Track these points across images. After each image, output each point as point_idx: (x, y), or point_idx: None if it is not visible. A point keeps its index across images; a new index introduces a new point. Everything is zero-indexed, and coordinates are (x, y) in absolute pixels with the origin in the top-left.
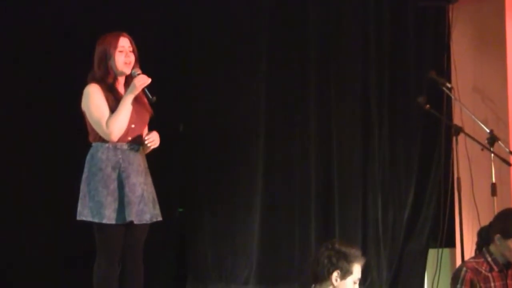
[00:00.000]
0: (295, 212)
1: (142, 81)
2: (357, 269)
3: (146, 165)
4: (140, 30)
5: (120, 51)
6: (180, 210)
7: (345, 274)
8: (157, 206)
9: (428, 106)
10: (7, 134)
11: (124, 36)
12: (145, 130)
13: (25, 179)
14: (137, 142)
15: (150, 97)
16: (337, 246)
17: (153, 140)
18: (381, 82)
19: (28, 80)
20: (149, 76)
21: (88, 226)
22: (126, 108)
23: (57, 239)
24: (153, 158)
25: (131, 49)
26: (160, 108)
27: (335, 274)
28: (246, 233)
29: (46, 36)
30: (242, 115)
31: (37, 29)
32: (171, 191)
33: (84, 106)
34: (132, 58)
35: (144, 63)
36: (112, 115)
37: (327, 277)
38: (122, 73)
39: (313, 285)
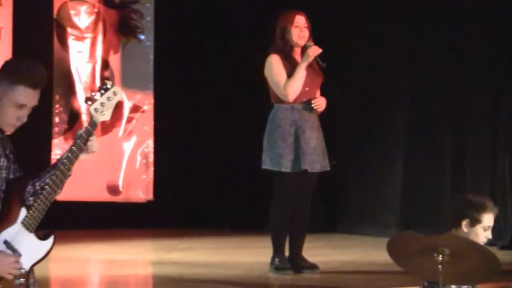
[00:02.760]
0: (432, 166)
1: (314, 50)
2: (486, 218)
3: (319, 123)
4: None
5: (296, 26)
6: (334, 162)
7: (474, 222)
8: (326, 158)
9: None
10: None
11: (300, 14)
12: (318, 93)
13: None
14: (310, 103)
15: (321, 63)
16: (467, 197)
17: (319, 104)
18: (509, 48)
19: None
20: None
21: (269, 173)
22: (300, 73)
23: (246, 184)
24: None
25: (306, 25)
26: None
27: (465, 222)
28: (390, 183)
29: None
30: (389, 79)
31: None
32: (327, 147)
33: (266, 72)
34: (306, 33)
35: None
36: (289, 79)
37: (458, 224)
38: (297, 45)
39: (453, 230)
